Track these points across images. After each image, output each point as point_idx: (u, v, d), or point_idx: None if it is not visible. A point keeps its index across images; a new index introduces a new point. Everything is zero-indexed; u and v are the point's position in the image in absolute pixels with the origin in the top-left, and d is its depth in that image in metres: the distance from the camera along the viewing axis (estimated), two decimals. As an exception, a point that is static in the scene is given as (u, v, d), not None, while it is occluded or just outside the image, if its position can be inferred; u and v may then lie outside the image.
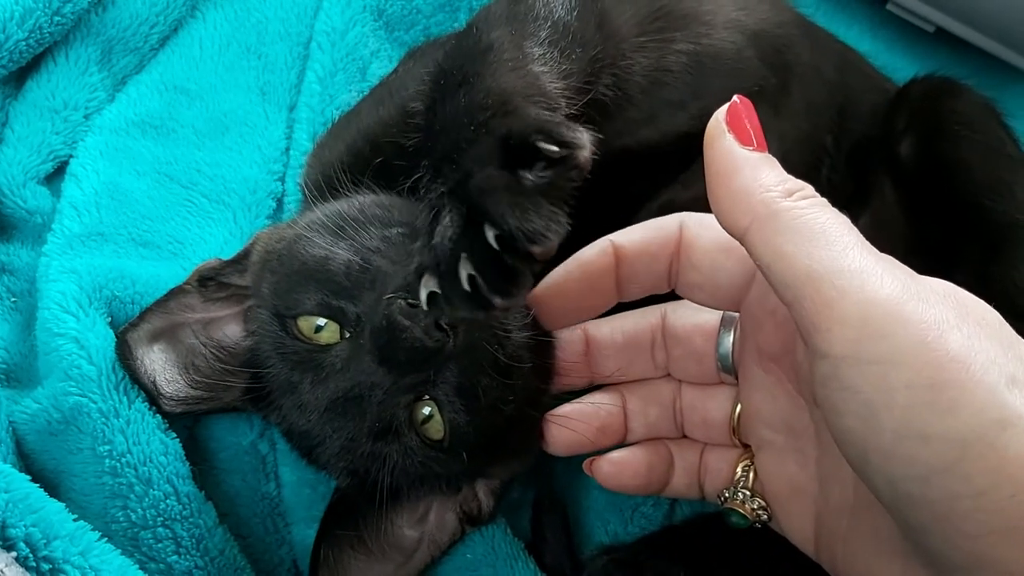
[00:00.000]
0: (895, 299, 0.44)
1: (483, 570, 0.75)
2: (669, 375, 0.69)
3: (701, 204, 0.53)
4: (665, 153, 0.73)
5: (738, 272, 0.58)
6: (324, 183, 0.72)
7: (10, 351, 0.79)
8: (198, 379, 0.72)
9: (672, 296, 0.64)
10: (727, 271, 0.58)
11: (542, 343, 0.66)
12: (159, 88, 0.93)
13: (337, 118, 0.85)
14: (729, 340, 0.64)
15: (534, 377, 0.66)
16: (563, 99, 0.58)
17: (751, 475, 0.64)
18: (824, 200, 0.49)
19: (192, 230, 0.86)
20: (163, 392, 0.71)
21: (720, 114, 0.52)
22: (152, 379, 0.71)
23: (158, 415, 0.72)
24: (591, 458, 0.69)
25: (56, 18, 0.86)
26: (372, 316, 0.61)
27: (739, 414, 0.64)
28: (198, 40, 0.96)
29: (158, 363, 0.72)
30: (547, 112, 0.55)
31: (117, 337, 0.71)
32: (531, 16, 0.62)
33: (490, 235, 0.46)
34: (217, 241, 0.85)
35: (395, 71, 0.85)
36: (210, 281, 0.73)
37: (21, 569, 0.56)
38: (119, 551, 0.62)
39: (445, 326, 0.59)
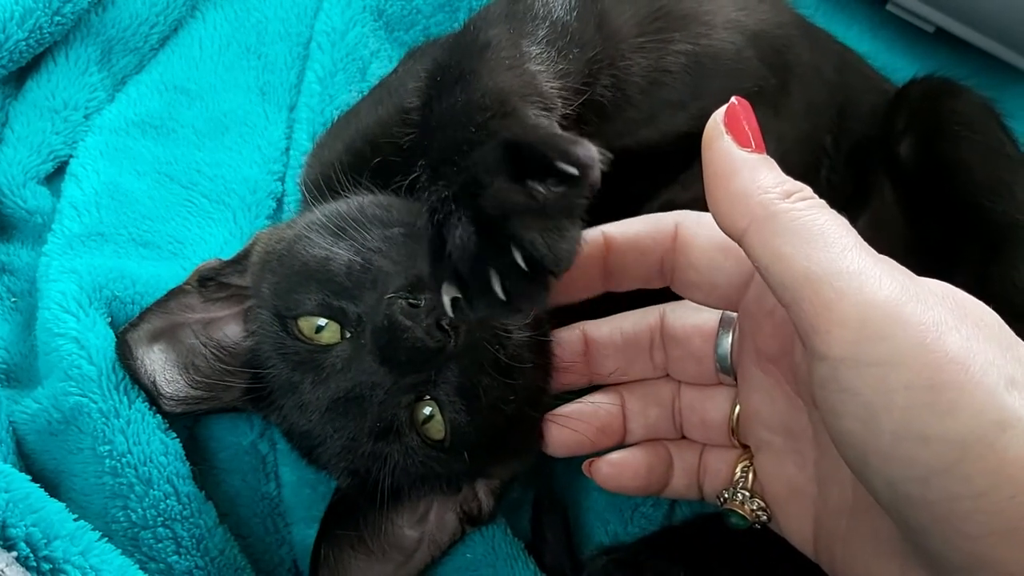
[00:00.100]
0: (894, 301, 0.44)
1: (483, 570, 0.75)
2: (668, 376, 0.69)
3: (701, 204, 0.53)
4: (665, 153, 0.73)
5: (736, 272, 0.58)
6: (323, 183, 0.72)
7: (10, 351, 0.79)
8: (198, 379, 0.72)
9: (671, 296, 0.64)
10: (725, 271, 0.58)
11: (542, 343, 0.67)
12: (159, 88, 0.93)
13: (337, 118, 0.85)
14: (728, 341, 0.64)
15: (535, 377, 0.67)
16: (559, 99, 0.58)
17: (750, 476, 0.64)
18: (822, 202, 0.49)
19: (192, 230, 0.86)
20: (163, 392, 0.71)
21: (718, 115, 0.52)
22: (152, 379, 0.71)
23: (158, 415, 0.72)
24: (590, 459, 0.69)
25: (56, 18, 0.86)
26: (373, 316, 0.61)
27: (738, 415, 0.65)
28: (198, 40, 0.96)
29: (158, 363, 0.72)
30: (544, 113, 0.55)
31: (117, 337, 0.71)
32: (530, 15, 0.62)
33: (518, 257, 0.46)
34: (217, 241, 0.85)
35: (394, 71, 0.85)
36: (210, 281, 0.73)
37: (21, 569, 0.56)
38: (119, 551, 0.63)
39: (446, 326, 0.59)
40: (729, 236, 0.51)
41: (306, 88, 0.93)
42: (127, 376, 0.71)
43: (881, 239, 0.50)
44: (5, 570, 0.55)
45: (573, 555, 0.78)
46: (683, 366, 0.67)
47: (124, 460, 0.69)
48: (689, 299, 0.63)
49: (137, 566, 0.63)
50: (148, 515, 0.69)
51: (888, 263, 0.46)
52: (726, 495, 0.65)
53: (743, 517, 0.63)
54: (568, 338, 0.68)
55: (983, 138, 0.82)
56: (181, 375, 0.72)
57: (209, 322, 0.74)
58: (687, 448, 0.69)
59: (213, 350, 0.72)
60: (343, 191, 0.70)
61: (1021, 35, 0.98)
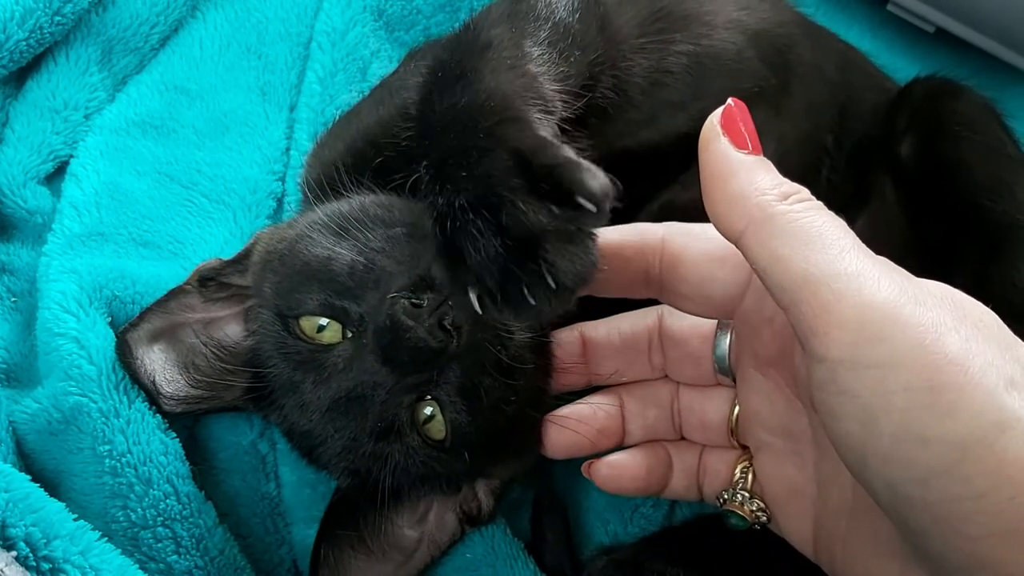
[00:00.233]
0: (892, 302, 0.44)
1: (483, 570, 0.75)
2: (667, 377, 0.69)
3: (700, 206, 0.53)
4: (665, 154, 0.73)
5: (731, 282, 0.58)
6: (324, 183, 0.72)
7: (10, 351, 0.79)
8: (198, 378, 0.72)
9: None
10: (720, 281, 0.58)
11: (542, 344, 0.67)
12: (159, 88, 0.93)
13: (337, 118, 0.85)
14: (726, 343, 0.64)
15: (535, 378, 0.67)
16: (560, 102, 0.58)
17: (750, 477, 0.64)
18: (820, 203, 0.49)
19: (192, 230, 0.86)
20: (163, 392, 0.71)
21: (715, 117, 0.52)
22: (152, 379, 0.71)
23: (158, 415, 0.72)
24: (589, 461, 0.69)
25: (56, 18, 0.86)
26: (375, 316, 0.61)
27: (737, 416, 0.65)
28: (198, 40, 0.96)
29: (158, 363, 0.72)
30: (546, 115, 0.55)
31: (117, 337, 0.71)
32: (532, 15, 0.62)
33: (549, 279, 0.47)
34: (217, 241, 0.85)
35: (395, 71, 0.85)
36: (210, 281, 0.73)
37: (21, 568, 0.56)
38: (119, 551, 0.63)
39: (448, 326, 0.59)
40: (726, 238, 0.50)
41: (306, 88, 0.93)
42: (127, 376, 0.71)
43: (881, 239, 0.50)
44: (5, 570, 0.55)
45: (573, 555, 0.78)
46: (681, 367, 0.67)
47: (124, 460, 0.69)
48: (682, 311, 0.62)
49: (137, 566, 0.63)
50: (148, 515, 0.69)
51: (886, 264, 0.46)
52: (726, 496, 0.65)
53: (743, 518, 0.63)
54: (566, 339, 0.69)
55: (984, 138, 0.82)
56: (181, 375, 0.72)
57: (209, 322, 0.74)
58: (686, 449, 0.69)
59: (213, 350, 0.72)
60: (344, 191, 0.70)
61: (1021, 35, 0.97)
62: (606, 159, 0.55)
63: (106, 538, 0.62)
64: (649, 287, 0.61)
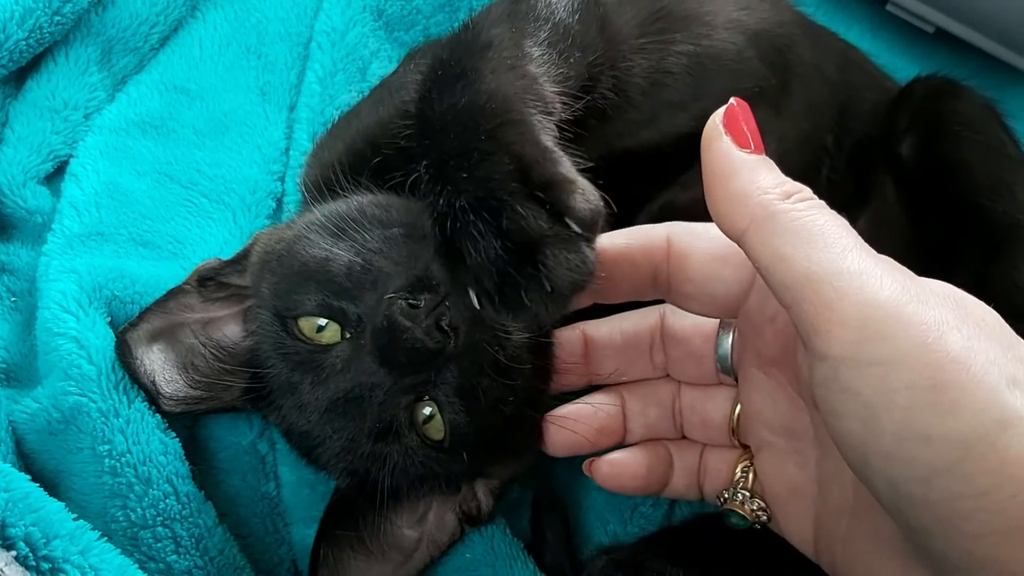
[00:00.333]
0: (895, 301, 0.44)
1: (482, 570, 0.75)
2: (668, 376, 0.69)
3: (701, 205, 0.54)
4: (665, 154, 0.73)
5: (735, 281, 0.58)
6: (323, 183, 0.72)
7: (10, 351, 0.79)
8: (197, 379, 0.72)
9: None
10: (724, 281, 0.58)
11: (541, 344, 0.66)
12: (159, 88, 0.93)
13: (337, 118, 0.85)
14: (728, 342, 0.64)
15: (534, 378, 0.67)
16: (560, 103, 0.58)
17: (750, 476, 0.64)
18: (822, 202, 0.49)
19: (192, 230, 0.86)
20: (162, 392, 0.71)
21: (717, 117, 0.52)
22: (151, 379, 0.71)
23: (157, 415, 0.72)
24: (590, 459, 0.69)
25: (56, 18, 0.86)
26: (373, 317, 0.61)
27: (738, 415, 0.65)
28: (198, 40, 0.96)
29: (157, 363, 0.72)
30: (547, 116, 0.55)
31: (117, 337, 0.71)
32: (532, 16, 0.62)
33: (547, 284, 0.48)
34: (217, 241, 0.85)
35: (395, 72, 0.85)
36: (209, 281, 0.73)
37: (21, 568, 0.56)
38: (119, 550, 0.62)
39: (446, 327, 0.59)
40: (728, 237, 0.51)
41: (306, 88, 0.93)
42: (126, 376, 0.71)
43: (882, 238, 0.50)
44: (4, 569, 0.55)
45: (573, 555, 0.78)
46: (683, 366, 0.67)
47: (123, 460, 0.69)
48: (687, 311, 0.62)
49: (136, 565, 0.63)
50: (147, 515, 0.69)
51: (889, 263, 0.46)
52: (726, 495, 0.65)
53: (743, 517, 0.63)
54: (568, 338, 0.68)
55: (984, 138, 0.82)
56: (180, 375, 0.72)
57: (208, 322, 0.73)
58: (687, 448, 0.69)
59: (212, 350, 0.72)
60: (343, 191, 0.70)
61: (1021, 35, 0.98)
62: (606, 159, 0.55)
63: (106, 538, 0.62)
64: (656, 289, 0.62)
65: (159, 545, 0.69)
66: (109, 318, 0.74)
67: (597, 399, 0.69)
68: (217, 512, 0.73)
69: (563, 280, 0.48)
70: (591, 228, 0.49)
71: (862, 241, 0.47)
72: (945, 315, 0.43)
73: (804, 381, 0.57)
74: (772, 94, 0.78)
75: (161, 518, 0.69)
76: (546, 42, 0.60)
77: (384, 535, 0.72)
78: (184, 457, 0.72)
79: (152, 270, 0.80)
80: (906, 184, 0.85)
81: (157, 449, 0.70)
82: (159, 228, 0.86)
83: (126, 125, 0.90)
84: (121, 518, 0.69)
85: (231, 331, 0.74)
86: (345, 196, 0.69)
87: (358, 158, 0.74)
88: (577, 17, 0.63)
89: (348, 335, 0.64)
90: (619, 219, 0.63)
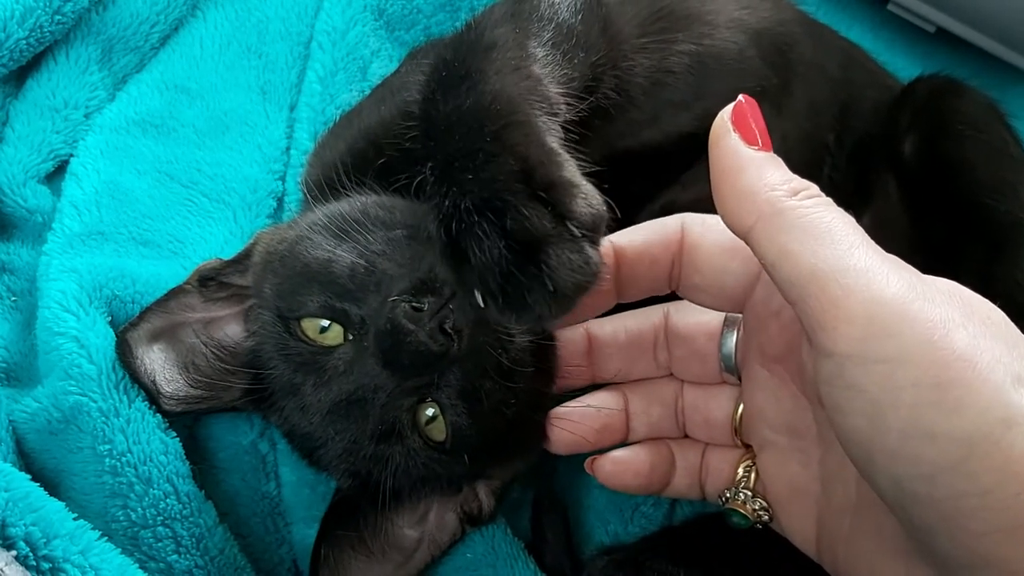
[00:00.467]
0: (901, 298, 0.44)
1: (483, 570, 0.75)
2: (671, 375, 0.69)
3: (702, 205, 0.53)
4: (667, 154, 0.73)
5: (742, 273, 0.58)
6: (325, 183, 0.72)
7: (10, 350, 0.79)
8: (198, 378, 0.72)
9: (674, 296, 0.63)
10: (732, 273, 0.58)
11: (544, 347, 0.66)
12: (160, 87, 0.93)
13: (338, 118, 0.85)
14: (732, 340, 0.64)
15: (536, 380, 0.66)
16: (564, 104, 0.58)
17: (752, 475, 0.64)
18: (829, 199, 0.49)
19: (192, 229, 0.86)
20: (163, 391, 0.71)
21: (725, 113, 0.52)
22: (152, 378, 0.71)
23: (158, 414, 0.71)
24: (592, 457, 0.69)
25: (57, 17, 0.86)
26: (376, 319, 0.61)
27: (741, 414, 0.65)
28: (199, 39, 0.96)
29: (158, 362, 0.71)
30: (551, 117, 0.55)
31: (117, 336, 0.71)
32: (535, 16, 0.62)
33: (549, 284, 0.48)
34: (217, 240, 0.85)
35: (397, 71, 0.85)
36: (210, 281, 0.73)
37: (21, 568, 0.56)
38: (119, 550, 0.62)
39: (450, 330, 0.59)
40: (735, 233, 0.51)
41: (307, 87, 0.93)
42: (127, 375, 0.71)
43: (885, 237, 0.50)
44: (4, 569, 0.54)
45: (573, 555, 0.78)
46: (687, 365, 0.67)
47: (124, 459, 0.69)
48: (695, 302, 0.62)
49: (137, 565, 0.62)
50: (148, 514, 0.69)
51: (895, 261, 0.46)
52: (728, 495, 0.65)
53: (745, 517, 0.63)
54: (572, 337, 0.68)
55: (987, 138, 0.82)
56: (181, 374, 0.72)
57: (209, 322, 0.73)
58: (689, 447, 0.69)
59: (213, 349, 0.72)
60: (345, 191, 0.70)
61: (1021, 35, 0.98)
62: (608, 159, 0.55)
63: (106, 537, 0.62)
64: (671, 282, 0.62)
65: (159, 545, 0.69)
66: (109, 317, 0.74)
67: (600, 398, 0.69)
68: (217, 512, 0.73)
69: (565, 280, 0.48)
70: (593, 231, 0.49)
71: (868, 239, 0.47)
72: (951, 313, 0.43)
73: (808, 378, 0.57)
74: (774, 93, 0.78)
75: (161, 518, 0.69)
76: (550, 43, 0.60)
77: (385, 535, 0.72)
78: (184, 457, 0.72)
79: (152, 269, 0.79)
80: (908, 183, 0.85)
81: (157, 448, 0.70)
82: (159, 227, 0.85)
83: (126, 124, 0.90)
84: (121, 517, 0.69)
85: (232, 331, 0.74)
86: (347, 196, 0.69)
87: (360, 158, 0.74)
88: (580, 17, 0.63)
89: (351, 337, 0.64)
90: (621, 219, 0.63)
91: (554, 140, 0.54)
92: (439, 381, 0.63)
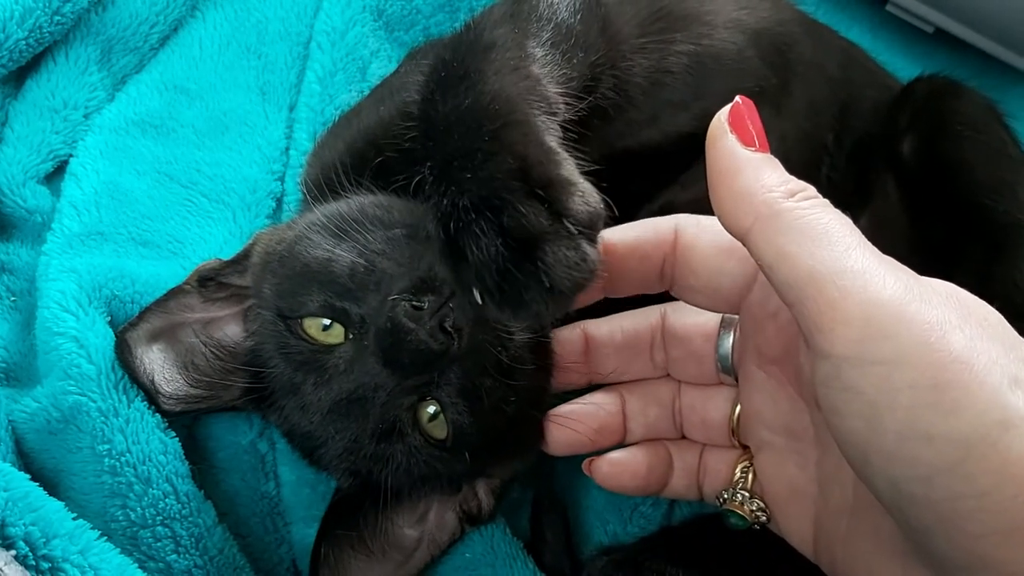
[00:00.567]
0: (898, 300, 0.44)
1: (482, 570, 0.75)
2: (668, 375, 0.69)
3: (700, 205, 0.53)
4: (666, 154, 0.73)
5: (739, 274, 0.58)
6: (324, 183, 0.72)
7: (10, 350, 0.79)
8: (197, 378, 0.72)
9: (670, 296, 0.64)
10: (728, 274, 0.58)
11: (542, 344, 0.67)
12: (159, 88, 0.93)
13: (337, 118, 0.85)
14: (729, 341, 0.64)
15: (536, 378, 0.67)
16: (563, 104, 0.58)
17: (750, 476, 0.64)
18: (826, 201, 0.49)
19: (192, 230, 0.86)
20: (162, 391, 0.71)
21: (722, 115, 0.52)
22: (151, 378, 0.71)
23: (157, 414, 0.71)
24: (590, 458, 0.69)
25: (56, 17, 0.86)
26: (376, 318, 0.61)
27: (738, 415, 0.65)
28: (198, 40, 0.96)
29: (157, 362, 0.71)
30: (550, 117, 0.55)
31: (116, 336, 0.71)
32: (534, 16, 0.62)
33: (546, 281, 0.48)
34: (217, 241, 0.85)
35: (396, 71, 0.85)
36: (210, 281, 0.73)
37: (20, 567, 0.56)
38: (118, 550, 0.62)
39: (450, 329, 0.59)
40: (733, 235, 0.51)
41: (306, 88, 0.93)
42: (126, 375, 0.71)
43: (883, 237, 0.50)
44: (4, 568, 0.55)
45: (572, 555, 0.78)
46: (684, 366, 0.67)
47: (123, 459, 0.69)
48: (690, 303, 0.62)
49: (136, 565, 0.63)
50: (147, 514, 0.69)
51: (892, 263, 0.46)
52: (725, 495, 0.65)
53: (742, 518, 0.63)
54: (568, 337, 0.69)
55: (986, 138, 0.82)
56: (180, 374, 0.72)
57: (209, 322, 0.73)
58: (687, 448, 0.69)
59: (213, 349, 0.72)
60: (344, 191, 0.70)
61: (1021, 36, 0.98)
62: (607, 159, 0.55)
63: (105, 537, 0.62)
64: (663, 281, 0.62)
65: (159, 544, 0.69)
66: (109, 317, 0.74)
67: (597, 398, 0.69)
68: (217, 511, 0.73)
69: (562, 277, 0.48)
70: (590, 229, 0.49)
71: (865, 240, 0.47)
72: (948, 315, 0.43)
73: (805, 380, 0.57)
74: (773, 93, 0.78)
75: (161, 517, 0.69)
76: (549, 43, 0.60)
77: (385, 535, 0.72)
78: (183, 456, 0.72)
79: (152, 270, 0.80)
80: (907, 183, 0.85)
81: (157, 448, 0.70)
82: (159, 228, 0.86)
83: (126, 125, 0.90)
84: (121, 517, 0.69)
85: (232, 331, 0.74)
86: (346, 196, 0.69)
87: (359, 158, 0.74)
88: (579, 17, 0.63)
89: (351, 336, 0.64)
90: (619, 218, 0.63)
91: (552, 139, 0.54)
92: (439, 379, 0.63)
